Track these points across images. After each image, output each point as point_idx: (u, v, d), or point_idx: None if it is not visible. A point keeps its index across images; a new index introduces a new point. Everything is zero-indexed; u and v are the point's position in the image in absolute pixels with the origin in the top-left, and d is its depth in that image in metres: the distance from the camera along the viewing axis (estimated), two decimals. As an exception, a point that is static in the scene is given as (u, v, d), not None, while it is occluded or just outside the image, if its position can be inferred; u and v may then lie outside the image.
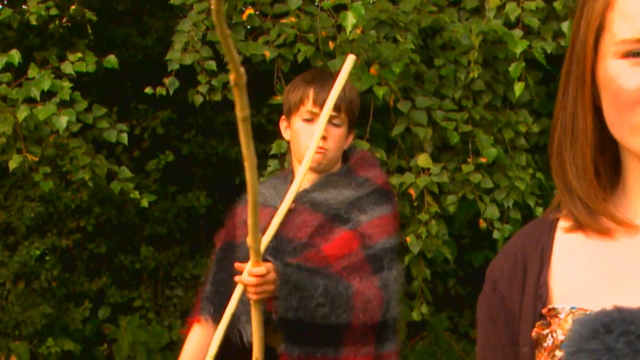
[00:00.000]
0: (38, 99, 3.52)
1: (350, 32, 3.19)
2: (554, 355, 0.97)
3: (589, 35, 0.97)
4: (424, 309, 3.59)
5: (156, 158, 5.11)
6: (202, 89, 3.49)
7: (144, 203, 3.93)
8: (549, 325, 0.99)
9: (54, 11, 3.76)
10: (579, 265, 1.02)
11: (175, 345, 5.73)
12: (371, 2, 3.37)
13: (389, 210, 2.28)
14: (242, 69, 1.04)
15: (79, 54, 3.62)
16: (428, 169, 3.45)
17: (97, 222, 5.85)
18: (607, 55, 0.95)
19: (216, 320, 2.15)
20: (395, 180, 3.42)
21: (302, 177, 2.00)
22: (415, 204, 3.48)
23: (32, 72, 3.52)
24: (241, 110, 1.15)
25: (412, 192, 3.43)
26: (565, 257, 1.04)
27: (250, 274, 1.92)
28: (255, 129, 4.11)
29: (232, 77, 1.08)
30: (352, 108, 2.26)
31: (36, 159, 3.69)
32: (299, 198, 2.20)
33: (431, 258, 3.53)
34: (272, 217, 2.09)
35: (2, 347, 5.38)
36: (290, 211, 2.14)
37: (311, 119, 2.21)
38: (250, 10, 3.51)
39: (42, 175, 3.77)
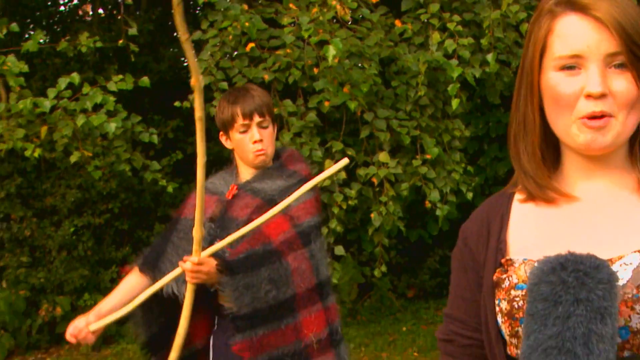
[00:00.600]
0: (90, 109, 4.41)
1: (331, 61, 3.93)
2: (510, 294, 1.12)
3: (535, 54, 1.12)
4: (384, 268, 4.48)
5: (168, 156, 5.96)
6: (216, 103, 4.41)
7: (170, 189, 4.88)
8: (506, 271, 1.14)
9: (99, 44, 4.67)
10: (530, 227, 1.18)
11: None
12: (345, 38, 4.14)
13: (312, 196, 2.45)
14: (200, 75, 1.09)
15: (120, 76, 4.52)
16: (386, 163, 4.24)
17: (121, 205, 6.81)
18: (548, 69, 1.10)
19: (143, 271, 2.40)
20: (362, 171, 4.28)
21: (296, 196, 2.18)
22: (377, 189, 4.30)
23: (86, 89, 4.40)
24: (198, 111, 1.18)
25: (375, 180, 4.27)
26: (520, 221, 1.20)
27: (187, 260, 2.14)
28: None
29: (192, 81, 1.13)
30: (270, 109, 2.43)
31: (90, 154, 4.52)
32: (242, 187, 2.43)
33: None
34: (217, 202, 2.38)
35: (49, 301, 6.27)
36: (234, 197, 2.41)
37: (245, 130, 2.39)
38: (252, 44, 4.31)
39: (93, 167, 4.70)
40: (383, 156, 4.28)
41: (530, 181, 1.19)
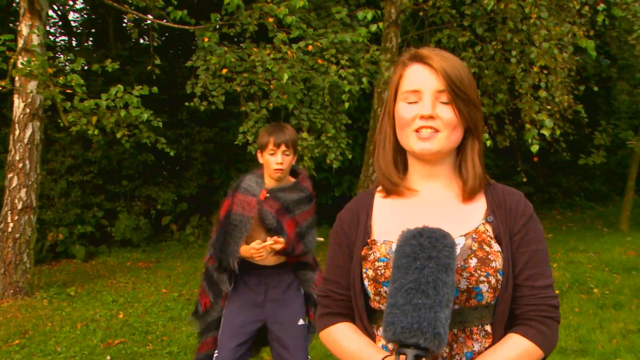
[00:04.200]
0: (122, 106, 6.83)
1: (285, 81, 6.33)
2: (374, 264, 1.49)
3: (392, 91, 1.52)
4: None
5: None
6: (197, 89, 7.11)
7: (172, 153, 7.53)
8: (371, 248, 1.51)
9: (116, 65, 6.91)
10: (388, 216, 1.56)
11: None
12: (292, 66, 6.67)
13: (311, 206, 3.23)
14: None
15: (144, 85, 7.12)
16: (306, 138, 6.97)
17: (98, 168, 9.67)
18: (399, 100, 1.53)
19: (215, 257, 3.23)
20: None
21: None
22: (301, 154, 7.38)
23: (120, 93, 6.80)
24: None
25: (299, 148, 7.29)
26: (380, 211, 1.56)
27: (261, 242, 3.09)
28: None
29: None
30: (294, 144, 3.13)
31: (127, 132, 7.00)
32: (270, 192, 3.17)
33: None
34: (256, 202, 3.14)
35: (53, 230, 8.85)
36: (265, 199, 3.17)
37: (273, 153, 3.09)
38: (225, 70, 6.80)
39: (124, 140, 7.21)
40: (305, 135, 7.04)
41: (386, 181, 1.56)
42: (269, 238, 3.14)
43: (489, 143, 7.61)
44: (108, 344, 5.49)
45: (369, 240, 1.56)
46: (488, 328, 1.55)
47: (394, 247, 1.52)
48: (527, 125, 7.51)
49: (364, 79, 7.00)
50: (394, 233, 1.50)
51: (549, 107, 7.49)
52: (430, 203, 1.57)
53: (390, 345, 1.55)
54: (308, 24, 7.08)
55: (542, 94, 7.48)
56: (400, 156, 1.61)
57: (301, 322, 3.36)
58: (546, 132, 7.31)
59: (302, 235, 3.26)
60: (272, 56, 6.74)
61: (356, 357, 1.55)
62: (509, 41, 7.87)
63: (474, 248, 1.51)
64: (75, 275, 8.35)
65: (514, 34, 7.77)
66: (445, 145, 1.52)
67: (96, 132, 6.90)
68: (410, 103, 1.53)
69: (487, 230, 1.55)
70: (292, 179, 3.26)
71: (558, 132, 7.60)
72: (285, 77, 6.41)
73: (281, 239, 3.13)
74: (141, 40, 11.89)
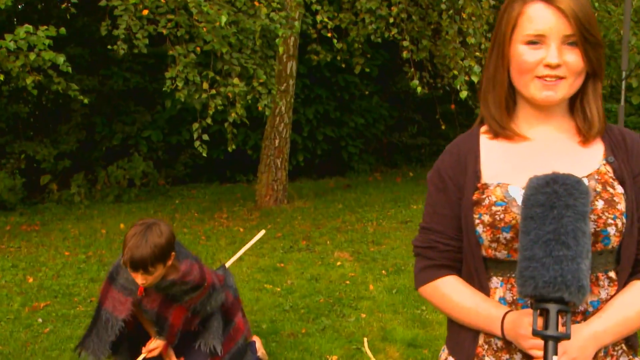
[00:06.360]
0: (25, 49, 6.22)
1: (223, 24, 6.49)
2: (491, 209, 1.45)
3: (507, 30, 1.46)
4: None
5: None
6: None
7: (85, 101, 7.02)
8: (483, 193, 1.47)
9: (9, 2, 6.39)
10: (497, 158, 1.50)
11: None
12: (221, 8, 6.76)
13: (200, 291, 3.21)
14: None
15: (51, 26, 6.43)
16: (237, 84, 7.01)
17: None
18: (517, 42, 1.45)
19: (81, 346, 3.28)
20: (222, 89, 7.05)
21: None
22: (232, 100, 7.15)
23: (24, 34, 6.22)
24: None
25: (230, 95, 7.10)
26: (488, 153, 1.52)
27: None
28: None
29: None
30: (158, 259, 2.96)
31: (39, 78, 6.45)
32: (148, 287, 3.10)
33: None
34: (130, 305, 3.15)
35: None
36: (145, 292, 3.16)
37: (134, 273, 2.99)
38: (146, 11, 6.60)
39: (31, 87, 6.54)
40: (236, 80, 6.83)
41: (495, 124, 1.52)
42: (144, 347, 3.26)
43: (419, 90, 7.65)
44: (33, 308, 5.25)
45: (479, 185, 1.49)
46: (612, 274, 1.49)
47: (510, 189, 1.46)
48: (454, 72, 7.60)
49: (296, 23, 6.86)
50: (507, 175, 1.46)
51: (477, 53, 7.59)
52: (544, 146, 1.51)
53: (508, 298, 1.48)
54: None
55: (471, 40, 7.56)
56: (511, 98, 1.53)
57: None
58: (475, 78, 7.43)
59: (198, 311, 3.28)
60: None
61: (472, 313, 1.50)
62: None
63: (598, 189, 1.46)
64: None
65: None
66: (568, 93, 1.47)
67: (1, 77, 6.22)
68: (531, 46, 1.44)
69: (609, 172, 1.50)
70: (175, 272, 3.13)
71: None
72: (224, 20, 6.16)
73: (156, 343, 3.22)
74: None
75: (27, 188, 9.66)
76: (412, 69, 7.74)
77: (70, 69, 6.50)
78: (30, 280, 6.03)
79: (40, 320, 4.97)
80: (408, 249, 6.58)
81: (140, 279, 2.96)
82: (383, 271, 5.96)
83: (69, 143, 10.15)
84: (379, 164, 12.24)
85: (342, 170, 11.72)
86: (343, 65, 9.12)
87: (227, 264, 3.73)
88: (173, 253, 3.02)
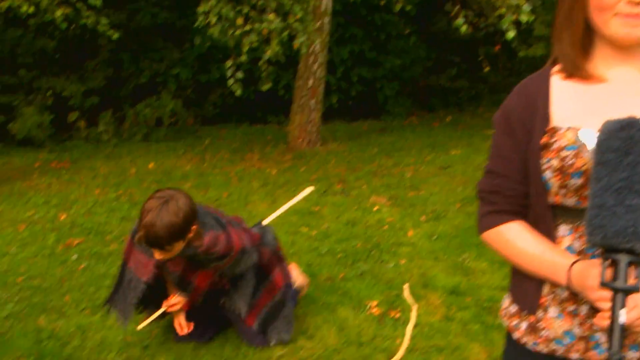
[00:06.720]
0: None
1: None
2: (560, 154, 1.38)
3: None
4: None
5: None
6: None
7: (115, 36, 6.86)
8: (552, 136, 1.40)
9: None
10: (569, 100, 1.43)
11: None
12: None
13: (227, 259, 3.09)
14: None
15: None
16: (273, 21, 6.81)
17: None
18: None
19: (108, 304, 3.29)
20: (257, 25, 6.78)
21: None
22: (267, 37, 6.91)
23: None
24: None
25: (265, 31, 6.85)
26: (560, 95, 1.44)
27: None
28: None
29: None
30: (172, 239, 2.85)
31: (68, 10, 6.26)
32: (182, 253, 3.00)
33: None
34: (153, 267, 3.12)
35: None
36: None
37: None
38: None
39: (60, 21, 6.43)
40: (272, 16, 6.58)
41: (570, 63, 1.45)
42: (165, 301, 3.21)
43: (463, 29, 7.28)
44: (67, 244, 5.24)
45: (547, 128, 1.41)
46: None
47: (581, 133, 1.38)
48: (502, 10, 7.20)
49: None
50: (579, 118, 1.39)
51: (526, -8, 7.15)
52: (622, 88, 1.41)
53: (576, 247, 1.41)
54: None
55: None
56: (588, 37, 1.44)
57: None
58: (524, 18, 7.03)
59: (227, 274, 3.21)
60: None
61: (538, 260, 1.44)
62: None
63: None
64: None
65: None
66: None
67: (31, 9, 6.05)
68: None
69: None
70: (199, 240, 3.00)
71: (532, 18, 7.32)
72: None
73: (177, 299, 3.15)
74: None
75: (54, 125, 9.52)
76: (458, 6, 7.35)
77: (99, 2, 6.36)
78: (63, 217, 6.01)
79: (75, 256, 4.96)
80: (447, 195, 6.38)
81: (158, 254, 2.87)
82: (422, 217, 5.77)
83: (96, 80, 9.93)
84: (415, 107, 11.87)
85: (376, 113, 11.38)
86: (382, 3, 8.73)
87: (265, 222, 3.60)
88: (194, 227, 2.90)
